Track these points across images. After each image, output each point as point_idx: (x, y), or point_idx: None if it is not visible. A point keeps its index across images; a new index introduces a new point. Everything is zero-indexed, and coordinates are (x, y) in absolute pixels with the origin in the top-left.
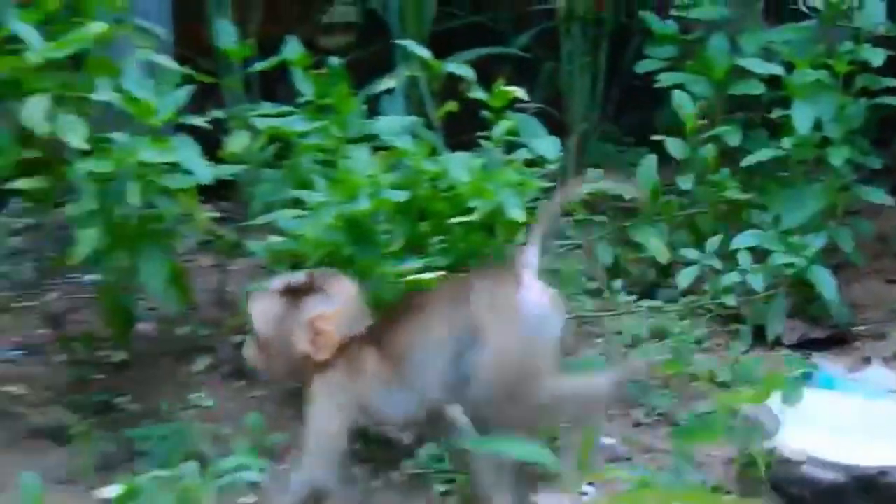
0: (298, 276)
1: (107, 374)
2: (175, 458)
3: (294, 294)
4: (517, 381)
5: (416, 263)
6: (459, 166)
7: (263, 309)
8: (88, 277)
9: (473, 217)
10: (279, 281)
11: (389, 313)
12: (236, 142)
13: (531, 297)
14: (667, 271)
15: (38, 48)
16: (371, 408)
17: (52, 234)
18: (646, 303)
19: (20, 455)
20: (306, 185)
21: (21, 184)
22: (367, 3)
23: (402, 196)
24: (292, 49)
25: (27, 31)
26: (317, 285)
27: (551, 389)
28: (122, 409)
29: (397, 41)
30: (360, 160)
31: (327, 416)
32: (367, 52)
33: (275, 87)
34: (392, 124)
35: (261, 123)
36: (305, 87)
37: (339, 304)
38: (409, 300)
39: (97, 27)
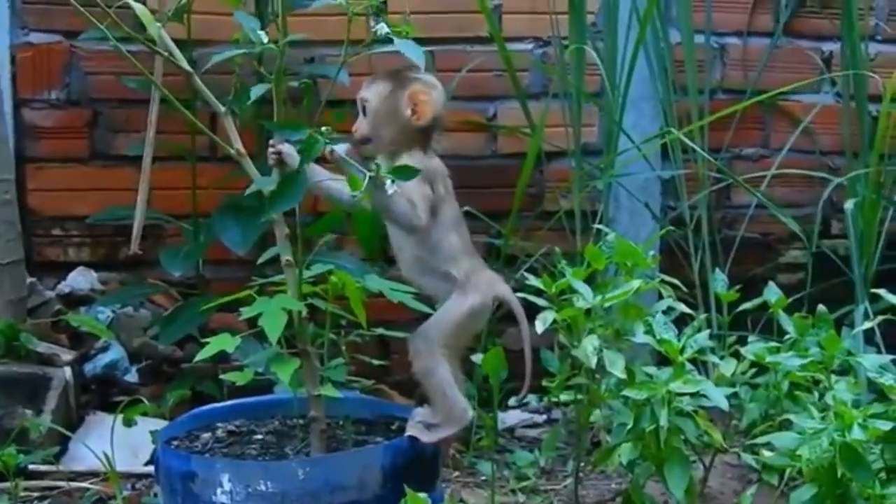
0: (397, 68)
1: None
2: None
3: (398, 77)
4: None
5: None
6: None
7: (377, 88)
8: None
9: None
10: (385, 71)
11: None
12: (727, 367)
13: None
14: None
15: (589, 300)
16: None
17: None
18: None
19: None
20: (791, 407)
21: (563, 396)
22: (819, 246)
23: (888, 426)
24: (773, 292)
25: (581, 286)
26: (414, 75)
27: None
28: None
29: (852, 279)
30: (846, 392)
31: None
32: (817, 288)
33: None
34: (874, 361)
35: (746, 352)
36: (788, 325)
37: (433, 87)
38: None
39: (636, 284)
